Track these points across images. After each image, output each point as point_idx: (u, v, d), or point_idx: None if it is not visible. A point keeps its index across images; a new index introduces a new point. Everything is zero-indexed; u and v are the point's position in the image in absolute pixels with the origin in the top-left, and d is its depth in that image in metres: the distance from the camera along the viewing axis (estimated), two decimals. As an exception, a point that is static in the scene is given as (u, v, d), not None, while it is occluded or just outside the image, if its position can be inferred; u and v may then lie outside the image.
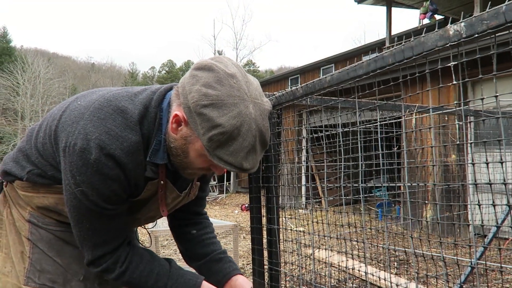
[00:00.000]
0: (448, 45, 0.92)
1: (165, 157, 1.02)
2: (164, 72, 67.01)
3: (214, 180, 13.37)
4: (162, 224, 3.46)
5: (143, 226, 1.48)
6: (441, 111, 1.83)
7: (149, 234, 1.59)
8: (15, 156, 1.14)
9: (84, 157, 0.92)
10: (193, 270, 1.33)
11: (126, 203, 1.06)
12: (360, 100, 1.95)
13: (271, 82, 17.81)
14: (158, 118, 1.00)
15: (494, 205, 0.88)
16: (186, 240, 1.36)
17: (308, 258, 3.44)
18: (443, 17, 9.82)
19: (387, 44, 10.52)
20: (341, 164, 1.65)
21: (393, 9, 9.79)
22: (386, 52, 1.13)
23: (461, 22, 0.88)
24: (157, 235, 3.22)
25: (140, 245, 1.43)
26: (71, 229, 1.07)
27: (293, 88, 1.52)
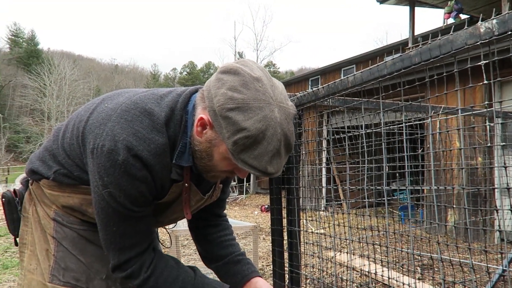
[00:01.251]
0: (478, 43, 0.89)
1: (190, 159, 1.03)
2: (185, 73, 67.81)
3: (234, 181, 13.42)
4: (183, 224, 3.49)
5: (164, 227, 1.48)
6: (469, 112, 1.77)
7: (169, 234, 1.60)
8: (41, 155, 1.15)
9: (112, 158, 0.92)
10: (211, 274, 1.33)
11: (152, 206, 1.06)
12: (383, 101, 1.91)
13: (291, 83, 17.75)
14: (183, 120, 1.00)
15: (527, 211, 0.84)
16: (205, 242, 1.36)
17: (329, 261, 3.39)
18: (468, 16, 9.56)
19: (410, 45, 10.30)
20: (364, 166, 1.62)
21: (416, 9, 9.59)
22: (412, 51, 1.10)
23: (493, 19, 0.85)
24: (177, 235, 3.24)
25: (161, 244, 1.45)
26: (94, 228, 1.08)
27: (315, 88, 1.50)
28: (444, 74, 1.06)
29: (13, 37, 56.11)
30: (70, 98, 45.75)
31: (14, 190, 1.21)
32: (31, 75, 45.34)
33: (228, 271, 1.30)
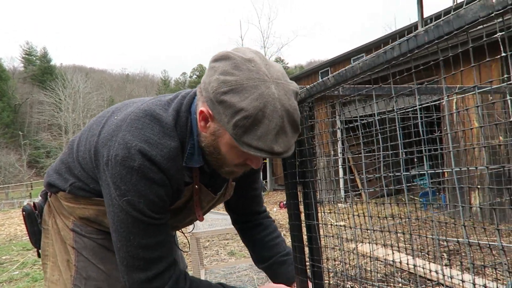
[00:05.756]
0: (492, 14, 0.84)
1: (201, 159, 1.01)
2: (195, 76, 68.25)
3: (251, 179, 13.45)
4: (202, 225, 3.50)
5: (180, 231, 1.49)
6: (487, 88, 1.70)
7: (187, 239, 1.60)
8: (58, 168, 1.16)
9: (127, 165, 0.91)
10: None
11: (169, 213, 1.04)
12: (395, 86, 1.85)
13: (301, 77, 17.65)
14: (189, 122, 1.00)
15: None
16: (251, 243, 1.38)
17: (352, 253, 3.35)
18: (479, -8, 9.29)
19: (420, 28, 10.10)
20: (380, 154, 1.58)
21: (424, -10, 9.37)
22: (421, 30, 1.06)
23: (505, -13, 0.80)
24: (198, 237, 3.25)
25: (180, 250, 1.45)
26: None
27: (324, 78, 1.46)
28: (459, 51, 1.01)
29: (26, 56, 57.47)
30: (85, 111, 46.63)
31: (34, 203, 1.23)
32: (46, 91, 46.38)
33: (275, 272, 1.33)
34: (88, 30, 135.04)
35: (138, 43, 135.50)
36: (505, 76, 0.92)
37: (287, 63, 58.37)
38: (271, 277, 1.34)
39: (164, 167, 0.94)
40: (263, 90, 0.85)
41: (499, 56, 0.91)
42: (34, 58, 57.92)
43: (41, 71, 55.28)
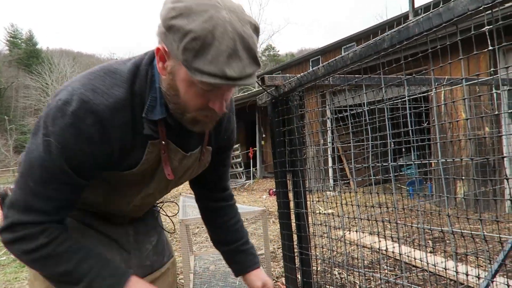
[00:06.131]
0: (481, 8, 0.85)
1: (163, 111, 0.99)
2: (185, 62, 67.36)
3: (241, 167, 13.45)
4: (192, 212, 3.51)
5: (165, 214, 1.49)
6: (474, 81, 1.73)
7: (172, 221, 1.60)
8: None
9: (63, 108, 0.90)
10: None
11: (86, 179, 0.99)
12: (385, 76, 1.87)
13: (292, 65, 17.60)
14: (149, 75, 0.98)
15: (538, 178, 0.82)
16: (214, 226, 1.42)
17: (339, 241, 3.41)
18: (470, -17, 9.31)
19: (411, 18, 10.10)
20: (369, 144, 1.60)
21: (416, -20, 9.36)
22: (411, 22, 1.06)
23: (495, -19, 0.81)
24: (187, 224, 3.26)
25: (167, 232, 1.46)
26: (91, 213, 1.14)
27: (314, 68, 1.47)
28: (448, 43, 1.02)
29: (11, 39, 55.99)
30: (73, 96, 45.86)
31: (9, 188, 1.23)
32: (32, 75, 45.44)
33: (233, 258, 1.39)
34: (75, 13, 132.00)
35: (127, 27, 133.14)
36: (492, 69, 0.94)
37: (278, 51, 58.06)
38: (228, 261, 1.40)
39: (106, 117, 0.92)
40: (213, 13, 0.83)
41: (486, 50, 0.93)
42: (20, 41, 56.47)
43: (26, 54, 53.98)
